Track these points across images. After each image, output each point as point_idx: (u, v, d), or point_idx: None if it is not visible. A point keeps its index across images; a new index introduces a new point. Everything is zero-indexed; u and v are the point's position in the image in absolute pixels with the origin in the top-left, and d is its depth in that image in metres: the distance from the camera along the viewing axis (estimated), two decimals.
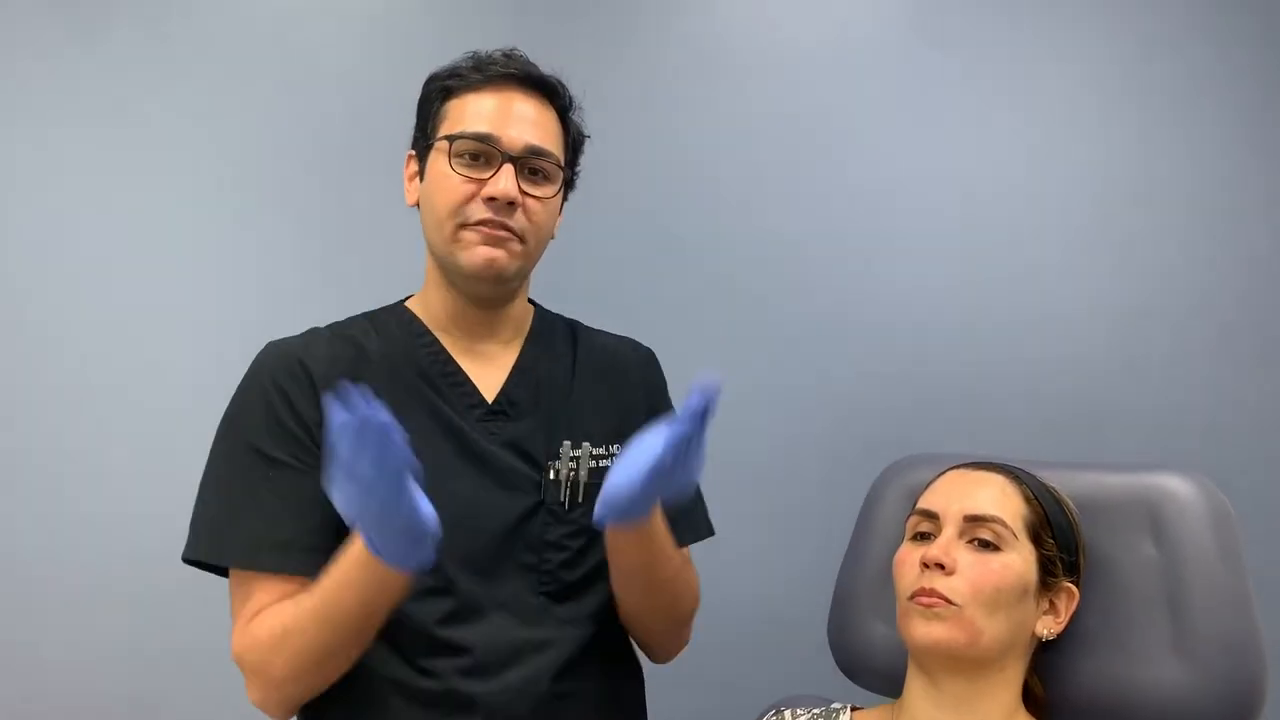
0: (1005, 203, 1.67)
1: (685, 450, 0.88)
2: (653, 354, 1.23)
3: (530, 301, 1.17)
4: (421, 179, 1.07)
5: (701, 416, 0.86)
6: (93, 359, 1.63)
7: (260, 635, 0.95)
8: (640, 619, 1.12)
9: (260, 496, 0.98)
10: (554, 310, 1.21)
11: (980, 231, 1.67)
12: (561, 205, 1.12)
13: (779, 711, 1.07)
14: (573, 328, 1.19)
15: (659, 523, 1.01)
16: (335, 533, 0.98)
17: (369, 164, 1.63)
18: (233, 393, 1.05)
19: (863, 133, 1.70)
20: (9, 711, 1.59)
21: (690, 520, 1.17)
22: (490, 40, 1.09)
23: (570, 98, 1.10)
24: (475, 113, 1.03)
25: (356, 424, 0.78)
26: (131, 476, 1.63)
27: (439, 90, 1.06)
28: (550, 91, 1.07)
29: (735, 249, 1.69)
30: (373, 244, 1.65)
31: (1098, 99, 1.67)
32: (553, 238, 1.11)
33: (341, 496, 0.83)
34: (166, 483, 1.57)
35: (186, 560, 1.00)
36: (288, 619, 0.93)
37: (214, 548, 0.99)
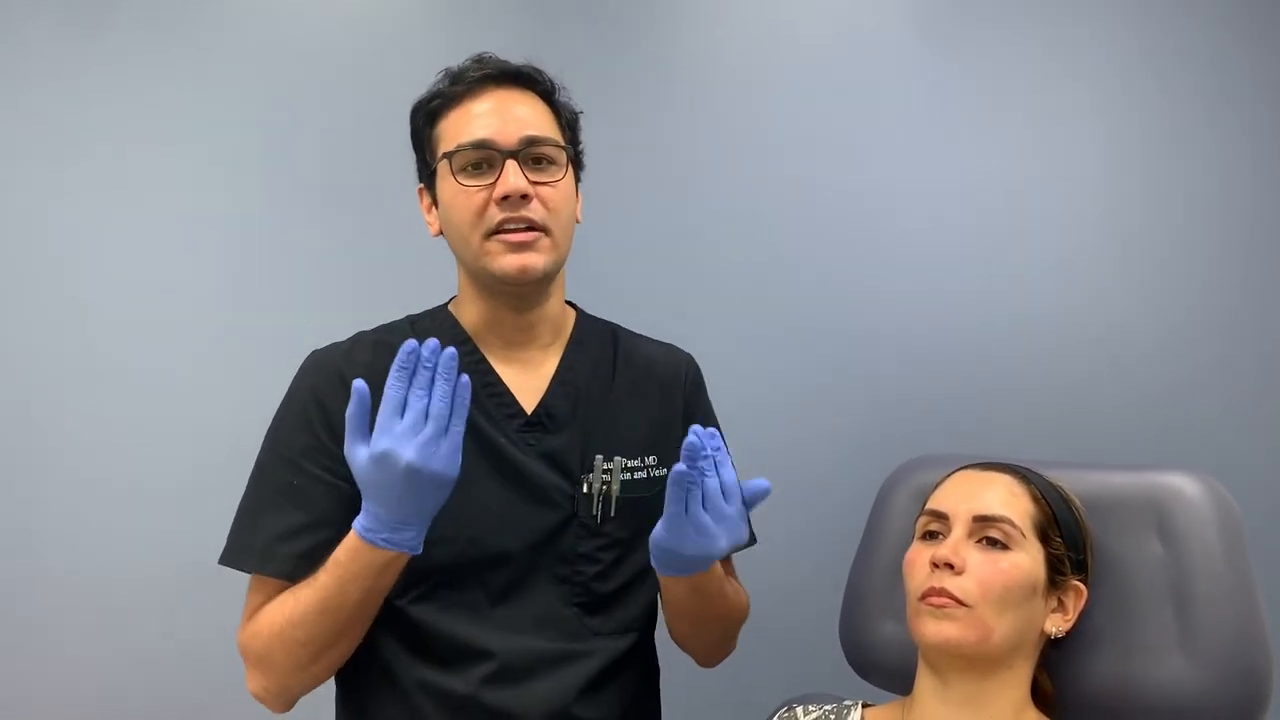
0: (1013, 206, 1.67)
1: (685, 504, 0.90)
2: (692, 360, 1.22)
3: (570, 304, 1.17)
4: (437, 206, 1.08)
5: (686, 472, 0.89)
6: (101, 359, 1.64)
7: (261, 628, 0.97)
8: (689, 642, 1.16)
9: (285, 507, 1.00)
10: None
11: (988, 233, 1.67)
12: (576, 187, 1.11)
13: (791, 708, 1.09)
14: (614, 334, 1.19)
15: (711, 574, 1.01)
16: None
17: (397, 164, 1.65)
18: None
19: (871, 136, 1.70)
20: (15, 712, 1.61)
21: None
22: (510, 48, 1.09)
23: (550, 81, 1.09)
24: (465, 124, 1.03)
25: (438, 353, 0.86)
26: (149, 479, 1.64)
27: (425, 117, 1.07)
28: (529, 80, 1.07)
29: (746, 253, 1.70)
30: (403, 248, 1.66)
31: (1100, 102, 1.67)
32: (579, 221, 1.10)
33: (391, 431, 0.86)
34: (183, 485, 1.61)
35: (222, 563, 1.02)
36: (289, 611, 0.95)
37: (236, 552, 1.01)
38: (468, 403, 0.89)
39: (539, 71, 1.08)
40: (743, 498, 0.94)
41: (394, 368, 0.87)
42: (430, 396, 0.87)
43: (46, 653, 1.62)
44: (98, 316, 1.65)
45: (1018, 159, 1.68)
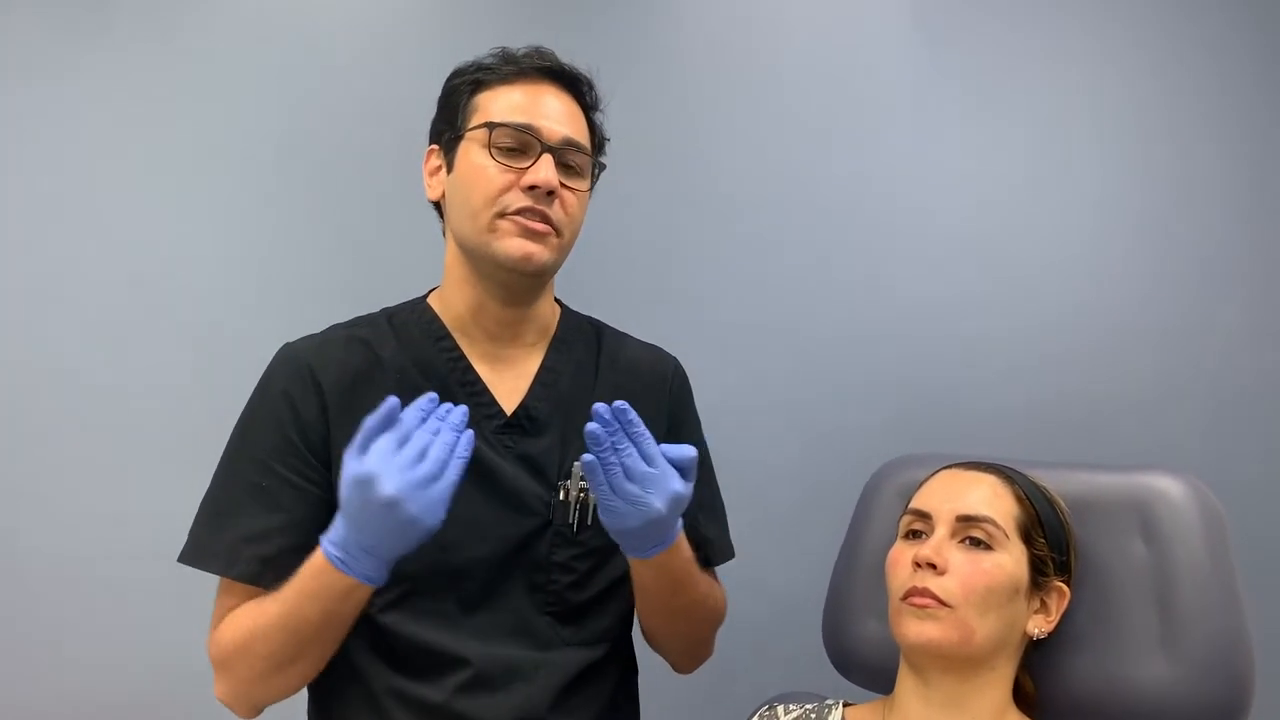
0: (1005, 205, 1.66)
1: (608, 484, 0.89)
2: (678, 365, 1.20)
3: (557, 301, 1.15)
4: (449, 171, 1.04)
5: (592, 461, 0.89)
6: (95, 358, 1.63)
7: (225, 638, 0.95)
8: (662, 640, 1.14)
9: (251, 508, 0.97)
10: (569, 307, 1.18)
11: (979, 234, 1.66)
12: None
13: (772, 707, 1.08)
14: (598, 332, 1.16)
15: (677, 554, 1.00)
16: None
17: (376, 161, 1.64)
18: (233, 390, 1.04)
19: (866, 134, 1.69)
20: (10, 712, 1.60)
21: (718, 544, 1.18)
22: (502, 37, 1.08)
23: (596, 97, 1.09)
24: (510, 104, 1.01)
25: (442, 405, 0.87)
26: (134, 475, 1.63)
27: (468, 83, 1.04)
28: (580, 90, 1.07)
29: (733, 248, 1.69)
30: (381, 241, 1.65)
31: (1097, 102, 1.66)
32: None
33: (387, 458, 0.84)
34: (166, 481, 1.59)
35: (181, 561, 0.99)
36: (251, 624, 0.93)
37: (199, 553, 0.98)
38: (466, 457, 0.87)
39: (591, 86, 1.08)
40: (668, 459, 0.92)
41: (414, 406, 0.87)
42: (435, 439, 0.86)
43: (26, 651, 1.61)
44: (81, 312, 1.64)
45: (1010, 158, 1.67)
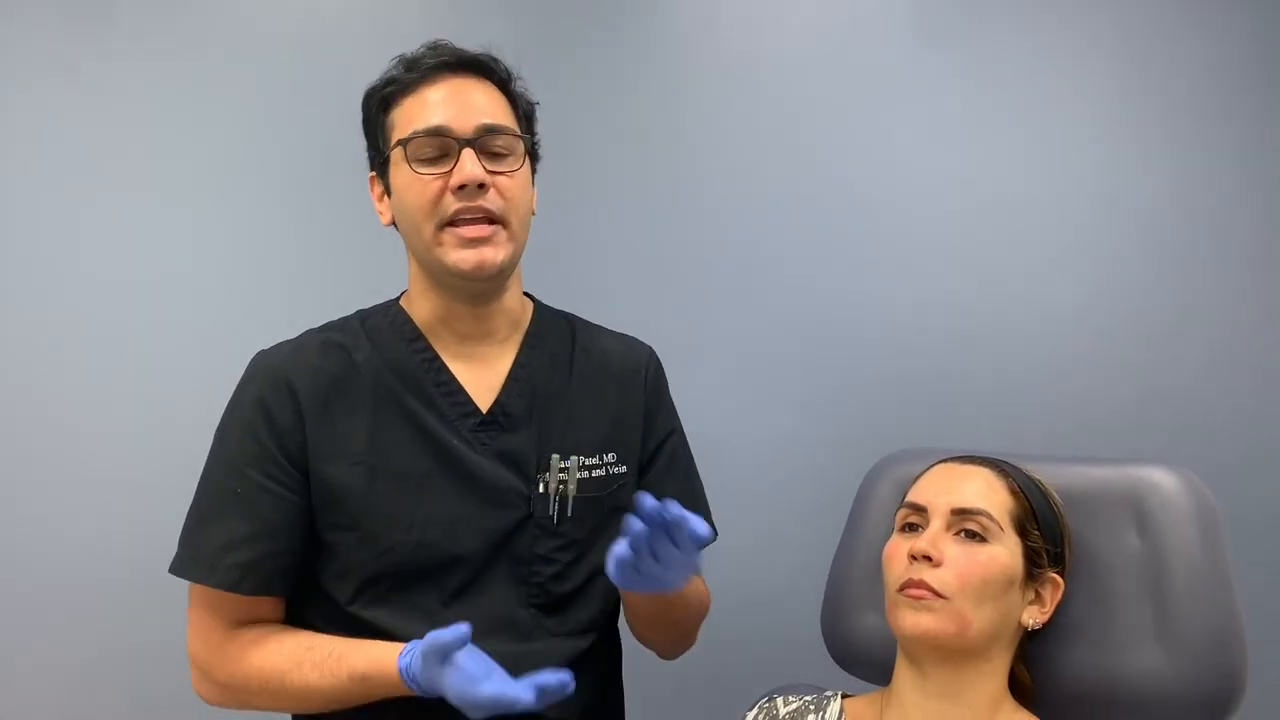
0: (1001, 203, 1.67)
1: (644, 555, 0.87)
2: (653, 353, 1.20)
3: (528, 295, 1.15)
4: (389, 194, 1.04)
5: (629, 555, 0.87)
6: (94, 360, 1.64)
7: (246, 671, 0.97)
8: (649, 640, 1.16)
9: (228, 515, 0.98)
10: (551, 305, 1.18)
11: (974, 231, 1.67)
12: (533, 178, 1.09)
13: (772, 699, 1.09)
14: (572, 326, 1.16)
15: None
16: (300, 556, 0.99)
17: (357, 168, 1.64)
18: (219, 395, 1.05)
19: (861, 132, 1.70)
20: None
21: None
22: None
23: (507, 70, 1.07)
24: (420, 111, 1.00)
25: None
26: (119, 480, 1.64)
27: (378, 103, 1.04)
28: (485, 69, 1.04)
29: (732, 246, 1.70)
30: (365, 247, 1.65)
31: (1093, 102, 1.66)
32: (534, 214, 1.08)
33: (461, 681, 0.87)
34: (152, 485, 1.60)
35: (172, 573, 1.01)
36: (287, 681, 0.95)
37: (183, 562, 0.99)
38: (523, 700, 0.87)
39: (495, 60, 1.06)
40: (693, 542, 0.88)
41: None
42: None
43: (8, 656, 1.63)
44: (57, 314, 1.64)
45: (1007, 158, 1.68)
